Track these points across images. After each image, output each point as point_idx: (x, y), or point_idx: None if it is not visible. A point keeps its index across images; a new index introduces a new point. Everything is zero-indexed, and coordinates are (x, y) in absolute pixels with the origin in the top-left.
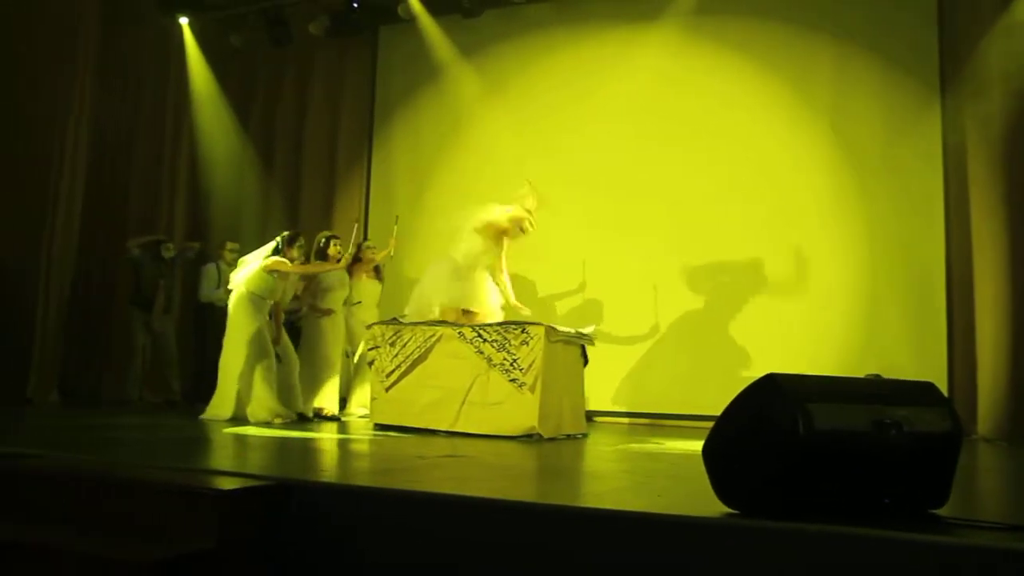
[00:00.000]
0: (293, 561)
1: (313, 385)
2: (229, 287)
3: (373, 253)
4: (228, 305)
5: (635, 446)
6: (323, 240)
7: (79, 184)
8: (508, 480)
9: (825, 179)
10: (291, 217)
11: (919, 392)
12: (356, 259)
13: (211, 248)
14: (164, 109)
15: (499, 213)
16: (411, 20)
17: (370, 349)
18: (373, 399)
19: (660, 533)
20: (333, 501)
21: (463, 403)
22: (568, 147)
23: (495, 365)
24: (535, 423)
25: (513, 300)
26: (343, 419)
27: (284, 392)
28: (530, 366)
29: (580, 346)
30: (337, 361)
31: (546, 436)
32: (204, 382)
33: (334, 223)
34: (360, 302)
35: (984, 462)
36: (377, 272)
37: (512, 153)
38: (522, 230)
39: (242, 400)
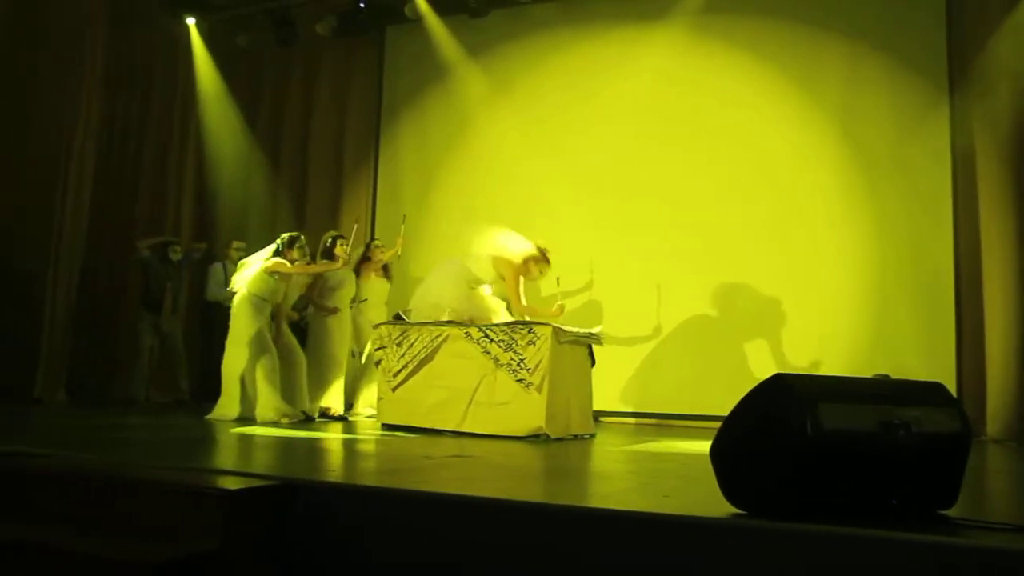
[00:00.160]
0: (300, 561)
1: (320, 385)
2: (231, 289)
3: (381, 252)
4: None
5: (642, 446)
6: (329, 240)
7: (87, 184)
8: (515, 480)
9: (833, 178)
10: (298, 217)
11: (928, 392)
12: (365, 258)
13: (218, 247)
14: (171, 109)
15: (515, 250)
16: (418, 20)
17: (377, 349)
18: (380, 399)
19: (667, 534)
20: (340, 501)
21: (470, 403)
22: (575, 147)
23: (502, 365)
24: (542, 423)
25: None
26: (350, 419)
27: (290, 392)
28: (537, 366)
29: (587, 346)
30: (344, 360)
31: (553, 436)
32: (211, 382)
33: (341, 223)
34: (367, 299)
35: (993, 463)
36: (385, 271)
37: (519, 153)
38: (534, 273)
39: (250, 400)
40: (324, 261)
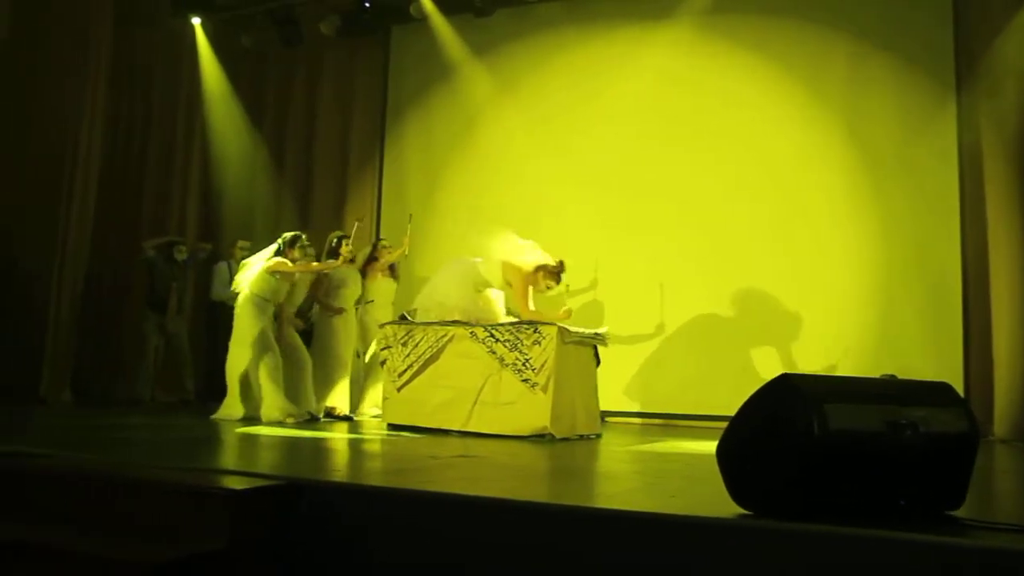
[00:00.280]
0: (304, 561)
1: (325, 384)
2: (234, 289)
3: (388, 252)
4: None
5: (648, 446)
6: (335, 240)
7: (92, 184)
8: (520, 481)
9: (839, 178)
10: (302, 217)
11: (935, 393)
12: (371, 258)
13: (223, 247)
14: (176, 109)
15: (527, 258)
16: (423, 19)
17: (382, 349)
18: (385, 399)
19: (673, 534)
20: (344, 501)
21: (475, 403)
22: (580, 146)
23: (507, 365)
24: (547, 423)
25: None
26: (355, 419)
27: (294, 392)
28: (542, 366)
29: (593, 347)
30: (349, 360)
31: (558, 436)
32: (217, 381)
33: (345, 223)
34: (373, 301)
35: (1001, 463)
36: (392, 271)
37: (525, 152)
38: (541, 285)
39: (254, 400)
40: (328, 260)
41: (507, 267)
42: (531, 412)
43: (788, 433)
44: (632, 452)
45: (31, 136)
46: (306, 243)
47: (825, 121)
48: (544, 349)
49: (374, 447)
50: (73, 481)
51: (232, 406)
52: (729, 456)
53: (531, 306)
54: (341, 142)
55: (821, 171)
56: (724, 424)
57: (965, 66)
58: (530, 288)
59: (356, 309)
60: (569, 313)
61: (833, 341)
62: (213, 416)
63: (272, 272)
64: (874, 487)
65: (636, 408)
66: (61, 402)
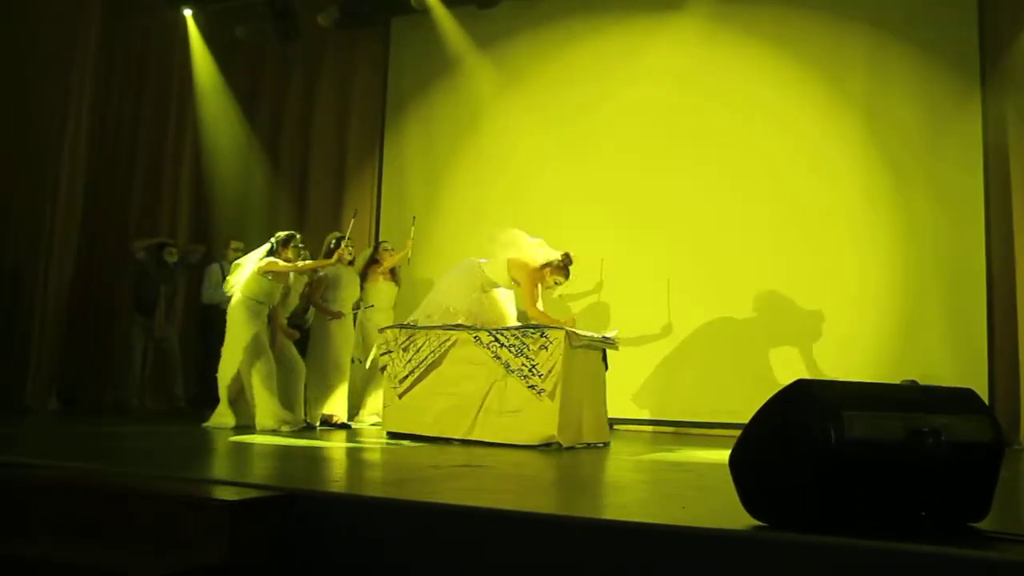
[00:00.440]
0: (302, 573)
1: (323, 391)
2: (226, 292)
3: (390, 255)
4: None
5: (658, 455)
6: (333, 241)
7: (79, 182)
8: (526, 491)
9: (858, 177)
10: (298, 216)
11: (959, 400)
12: (372, 260)
13: (215, 248)
14: (168, 104)
15: (533, 255)
16: (424, 11)
17: (382, 354)
18: (385, 406)
19: (684, 547)
20: (343, 512)
21: (479, 410)
22: (588, 143)
23: (513, 371)
24: (554, 431)
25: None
26: (354, 426)
27: (288, 399)
28: (549, 372)
29: (602, 351)
30: (347, 366)
31: (566, 445)
32: (210, 388)
33: (343, 223)
34: (372, 305)
35: None
36: (393, 274)
37: (531, 150)
38: (549, 282)
39: (248, 408)
40: (323, 260)
41: (513, 265)
42: (537, 420)
43: (804, 441)
44: (642, 461)
45: (14, 132)
46: (300, 243)
47: (844, 117)
48: (551, 354)
49: (373, 456)
50: (65, 492)
51: (225, 414)
52: (742, 466)
53: (539, 306)
54: (339, 139)
55: (840, 169)
56: (737, 432)
57: (990, 60)
58: (538, 287)
59: (354, 313)
60: (574, 321)
61: (852, 346)
62: (205, 424)
63: (264, 273)
64: (894, 498)
65: (646, 415)
66: (48, 410)
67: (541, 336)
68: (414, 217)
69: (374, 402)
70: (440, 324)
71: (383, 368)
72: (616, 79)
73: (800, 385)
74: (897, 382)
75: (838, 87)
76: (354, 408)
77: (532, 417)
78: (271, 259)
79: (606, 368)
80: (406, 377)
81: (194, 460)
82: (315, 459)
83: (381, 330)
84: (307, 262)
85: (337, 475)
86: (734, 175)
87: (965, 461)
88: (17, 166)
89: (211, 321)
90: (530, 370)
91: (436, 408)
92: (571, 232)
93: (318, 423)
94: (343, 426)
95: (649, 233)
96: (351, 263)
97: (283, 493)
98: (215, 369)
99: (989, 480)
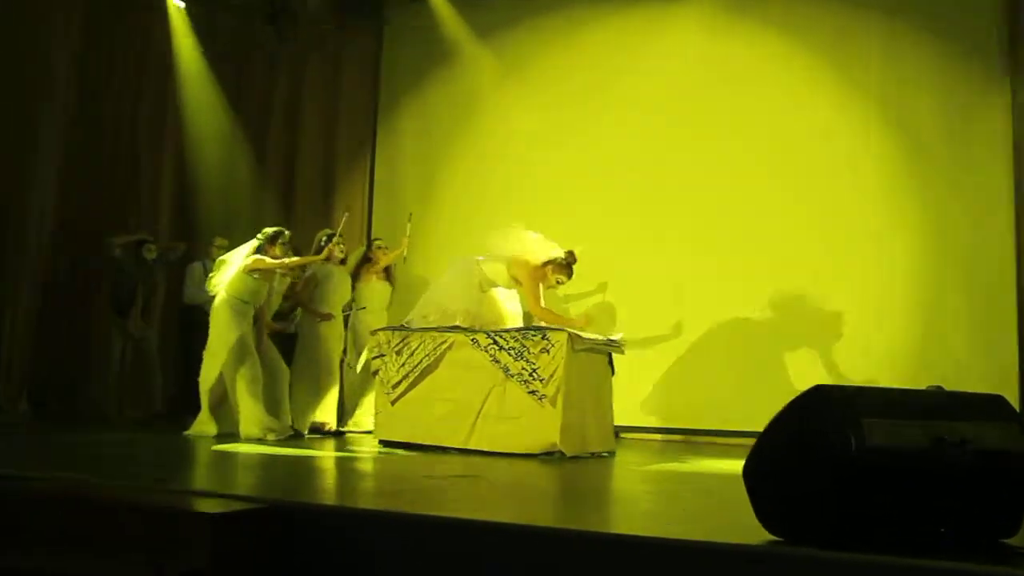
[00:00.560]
0: None
1: (312, 397)
2: (209, 291)
3: (384, 253)
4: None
5: (668, 466)
6: (323, 238)
7: (52, 173)
8: (527, 503)
9: (878, 172)
10: (286, 212)
11: (987, 406)
12: (365, 259)
13: (198, 245)
14: (147, 94)
15: (534, 252)
16: None
17: (374, 358)
18: (378, 412)
19: (695, 563)
20: (333, 526)
21: (477, 417)
22: (592, 135)
23: (512, 375)
24: (556, 440)
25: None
26: (346, 434)
27: (271, 405)
28: (551, 376)
29: (607, 355)
30: (337, 370)
31: (569, 454)
32: (192, 394)
33: (333, 220)
34: (364, 307)
35: None
36: (387, 273)
37: (531, 143)
38: (551, 280)
39: (231, 414)
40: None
41: (513, 263)
42: (539, 427)
43: (822, 450)
44: (650, 472)
45: None
46: (288, 239)
47: (860, 108)
48: (553, 357)
49: (365, 466)
50: (39, 502)
51: (206, 422)
52: (757, 476)
53: (542, 303)
54: (329, 130)
55: (857, 163)
56: (751, 441)
57: (1018, 47)
58: (540, 285)
59: (345, 316)
60: (588, 320)
61: (873, 349)
62: (187, 432)
63: (251, 271)
64: (917, 511)
65: (654, 423)
66: (19, 417)
67: (542, 338)
68: (411, 214)
69: (366, 408)
70: (436, 326)
71: (375, 372)
72: (620, 68)
73: (818, 390)
74: (921, 387)
75: (852, 77)
76: (348, 415)
77: (533, 424)
78: (258, 256)
79: (612, 372)
80: (399, 382)
81: (173, 470)
82: (303, 469)
83: (373, 332)
84: (295, 258)
85: (326, 486)
86: (745, 168)
87: (994, 472)
88: None
89: (193, 322)
90: (531, 374)
91: (431, 415)
92: (574, 228)
93: (307, 431)
94: (336, 434)
95: (657, 229)
96: (343, 262)
97: (269, 505)
98: (196, 374)
99: (1020, 492)
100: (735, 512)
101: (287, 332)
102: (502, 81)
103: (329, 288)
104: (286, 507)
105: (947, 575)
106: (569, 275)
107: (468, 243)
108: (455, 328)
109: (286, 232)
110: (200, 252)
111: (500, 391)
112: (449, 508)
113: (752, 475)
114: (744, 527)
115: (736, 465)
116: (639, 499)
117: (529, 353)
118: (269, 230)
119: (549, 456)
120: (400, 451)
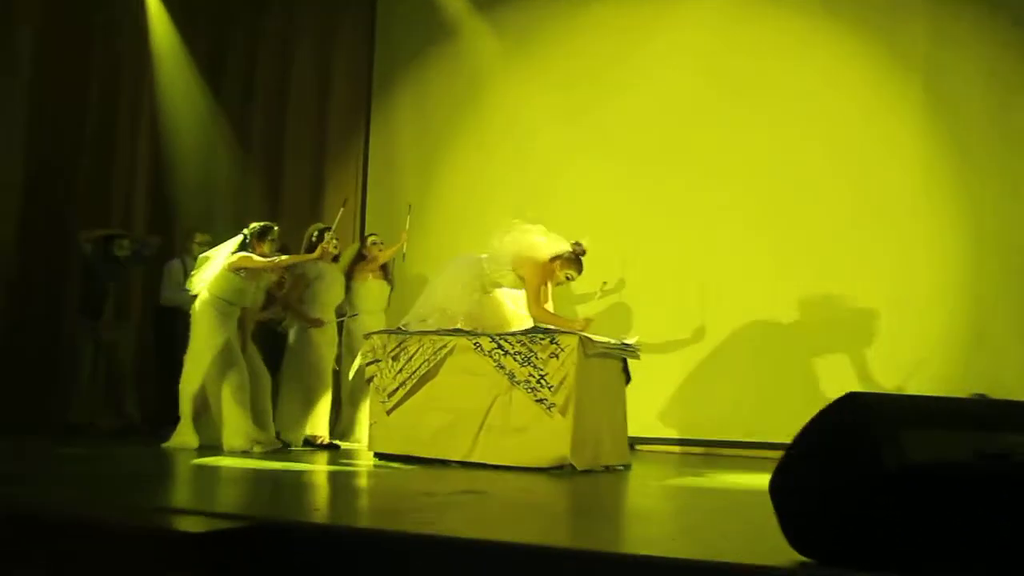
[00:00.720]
0: None
1: (304, 408)
2: (190, 290)
3: (379, 250)
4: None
5: (687, 480)
6: (316, 233)
7: (18, 164)
8: (536, 521)
9: (919, 158)
10: (272, 203)
11: None
12: (360, 256)
13: (176, 241)
14: (119, 73)
15: (541, 247)
16: None
17: (368, 364)
18: (372, 423)
19: None
20: (325, 546)
21: (480, 428)
22: (605, 118)
23: (518, 382)
24: (567, 452)
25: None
26: (341, 446)
27: (256, 415)
28: (561, 383)
29: (621, 360)
30: (329, 378)
31: (580, 468)
32: (170, 403)
33: (324, 212)
34: (356, 315)
35: None
36: (385, 271)
37: (538, 125)
38: (559, 276)
39: (214, 425)
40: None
41: (518, 260)
42: (547, 439)
43: (856, 465)
44: (668, 487)
45: None
46: (277, 235)
47: (902, 87)
48: (562, 363)
49: (360, 482)
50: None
51: (186, 433)
52: (784, 492)
53: (549, 306)
54: (319, 114)
55: (898, 148)
56: (778, 454)
57: None
58: (547, 284)
59: (338, 318)
60: (587, 323)
61: (910, 354)
62: (165, 444)
63: (236, 269)
64: (959, 530)
65: (673, 434)
66: None
67: (551, 342)
68: (410, 206)
69: (361, 419)
70: (435, 329)
71: (369, 379)
72: (638, 42)
73: (851, 399)
74: (963, 396)
75: (896, 52)
76: (348, 430)
77: (541, 436)
78: (244, 253)
79: (627, 380)
80: (396, 390)
81: (151, 486)
82: (292, 485)
83: (367, 335)
84: (285, 257)
85: (317, 503)
86: (774, 155)
87: None
88: None
89: (171, 325)
90: (538, 381)
91: (431, 426)
92: (585, 219)
93: (300, 445)
94: (330, 446)
95: (677, 223)
96: (336, 259)
97: (255, 524)
98: (176, 381)
99: None
100: (760, 531)
101: (276, 329)
102: (506, 59)
103: (320, 288)
104: (274, 526)
105: None
106: (579, 269)
107: (473, 237)
108: (456, 331)
109: (275, 228)
110: (179, 248)
111: (505, 399)
112: (451, 527)
113: (779, 491)
114: (771, 547)
115: (762, 480)
116: (656, 517)
117: (536, 358)
118: (256, 225)
119: (559, 470)
120: (397, 465)
